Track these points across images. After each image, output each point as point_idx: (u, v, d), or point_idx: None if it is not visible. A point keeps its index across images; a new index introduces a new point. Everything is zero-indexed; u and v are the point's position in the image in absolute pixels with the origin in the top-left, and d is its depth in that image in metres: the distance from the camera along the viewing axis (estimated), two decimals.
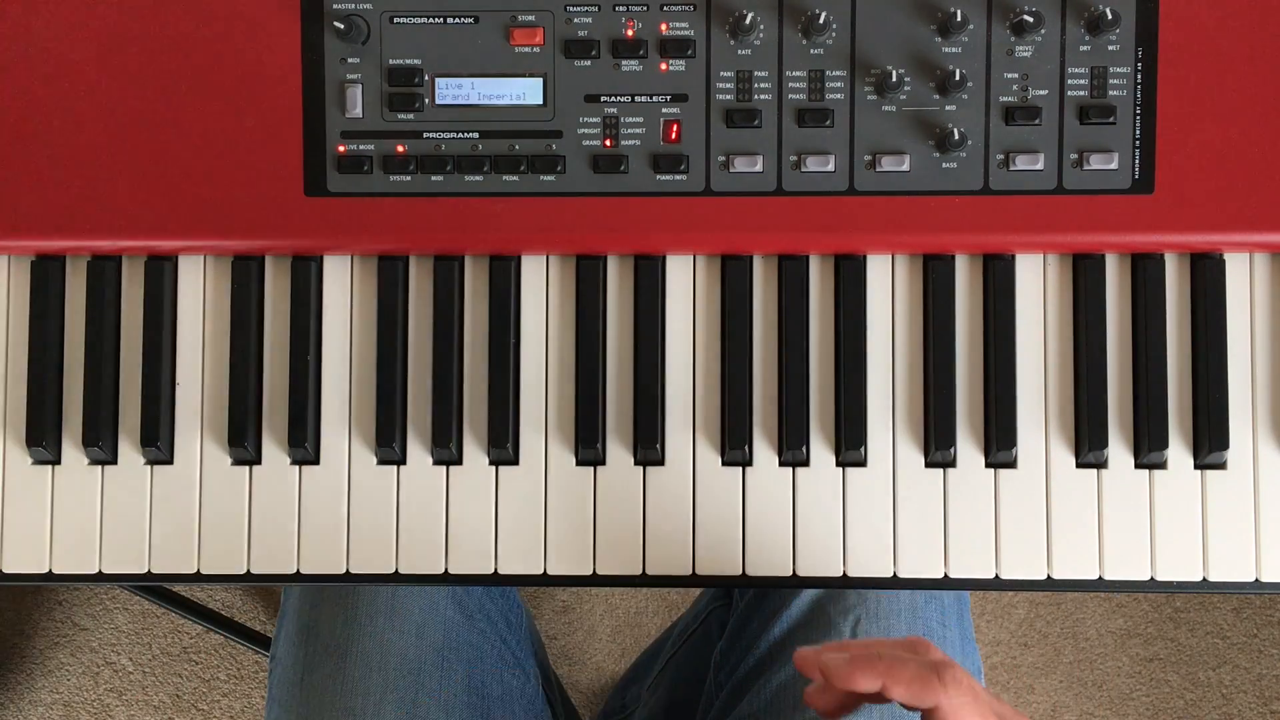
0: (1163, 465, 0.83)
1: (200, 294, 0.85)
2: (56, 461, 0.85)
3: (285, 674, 0.93)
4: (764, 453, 0.84)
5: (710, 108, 0.82)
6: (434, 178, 0.82)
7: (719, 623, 1.10)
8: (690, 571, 0.83)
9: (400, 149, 0.82)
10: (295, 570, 0.84)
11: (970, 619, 0.98)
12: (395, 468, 0.84)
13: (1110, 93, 0.82)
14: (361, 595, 0.92)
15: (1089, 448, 0.82)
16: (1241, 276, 0.84)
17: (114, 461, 0.84)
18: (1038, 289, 0.84)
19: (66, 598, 1.68)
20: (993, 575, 0.83)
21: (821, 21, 0.80)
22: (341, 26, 0.81)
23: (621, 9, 0.82)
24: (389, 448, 0.83)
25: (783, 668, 0.94)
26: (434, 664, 0.91)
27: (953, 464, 0.83)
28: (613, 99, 0.82)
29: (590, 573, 0.84)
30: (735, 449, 0.83)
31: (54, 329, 0.84)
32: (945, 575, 0.83)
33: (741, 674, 0.97)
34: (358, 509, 0.84)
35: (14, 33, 0.82)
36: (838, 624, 0.92)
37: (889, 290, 0.84)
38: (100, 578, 0.85)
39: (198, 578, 0.84)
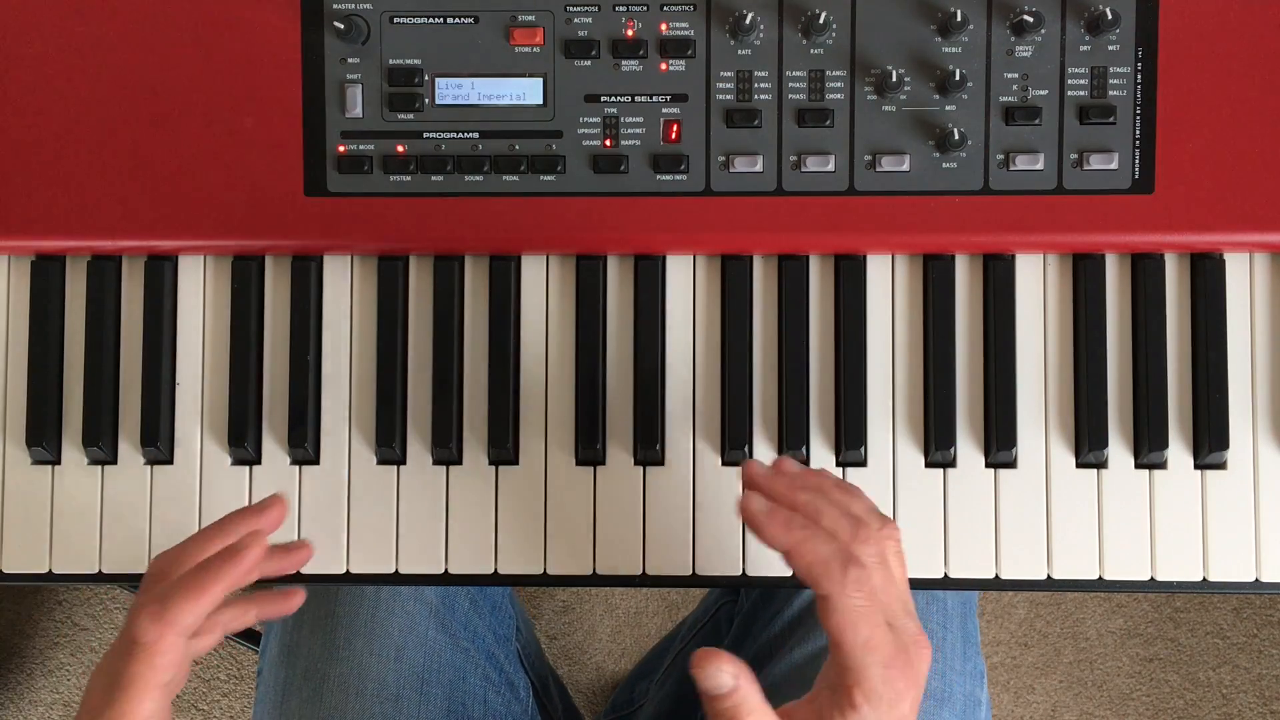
0: (1163, 465, 0.83)
1: (200, 294, 0.85)
2: (56, 461, 0.85)
3: (267, 694, 0.93)
4: (764, 453, 0.83)
5: (710, 108, 0.82)
6: (434, 178, 0.82)
7: (727, 618, 1.10)
8: (690, 571, 0.83)
9: (400, 149, 0.82)
10: (295, 570, 0.84)
11: (975, 624, 0.98)
12: (395, 468, 0.84)
13: (1110, 93, 0.82)
14: (340, 617, 0.91)
15: (1089, 448, 0.82)
16: (1241, 276, 0.84)
17: (114, 461, 0.84)
18: (1038, 289, 0.84)
19: (66, 598, 1.68)
20: (993, 575, 0.83)
21: (821, 21, 0.81)
22: (341, 26, 0.81)
23: (621, 9, 0.82)
24: (389, 448, 0.83)
25: (777, 665, 0.94)
26: (413, 688, 0.90)
27: (953, 464, 0.83)
28: (613, 99, 0.82)
29: (590, 573, 0.84)
30: (735, 449, 0.83)
31: (54, 329, 0.84)
32: (945, 575, 0.83)
33: None
34: (358, 509, 0.84)
35: (13, 34, 0.82)
36: None
37: (889, 290, 0.84)
38: (100, 578, 0.85)
39: None
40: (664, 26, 0.82)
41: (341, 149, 0.82)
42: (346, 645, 0.90)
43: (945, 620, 0.93)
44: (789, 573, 0.83)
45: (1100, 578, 0.83)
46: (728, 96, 0.82)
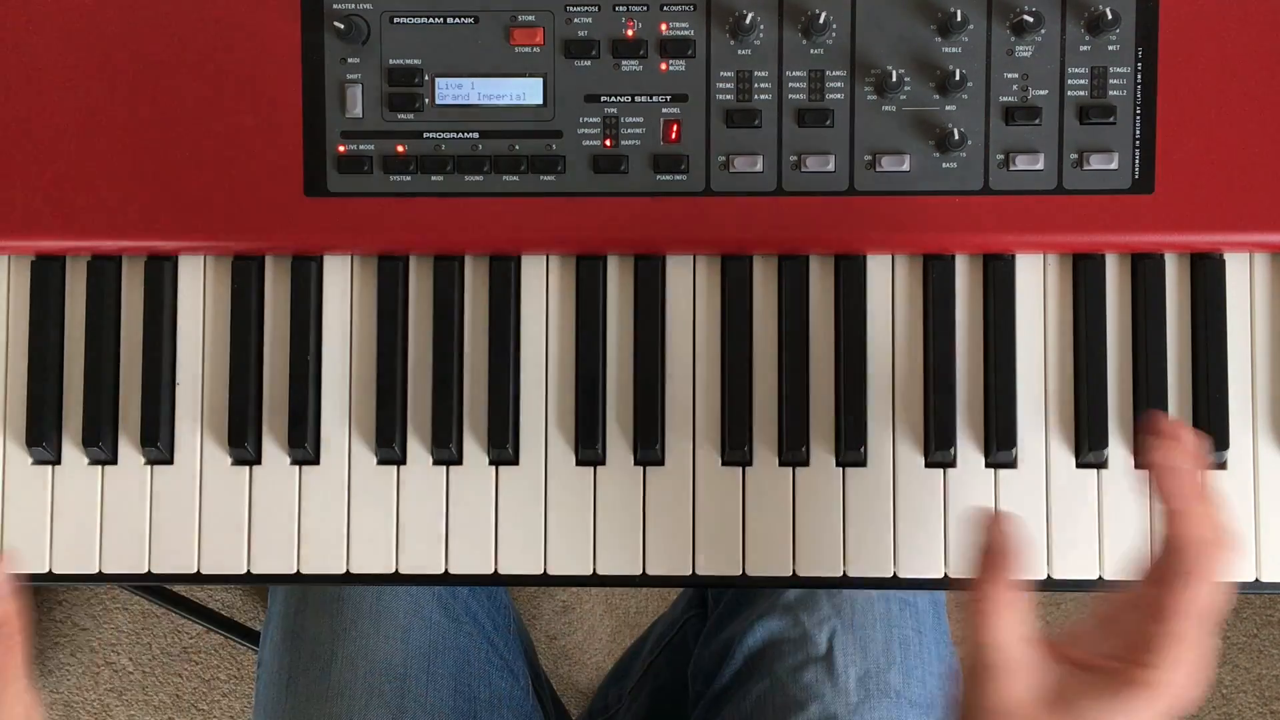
0: None
1: (200, 294, 0.85)
2: (56, 461, 0.85)
3: (271, 679, 0.93)
4: (764, 453, 0.84)
5: (710, 108, 0.82)
6: (434, 178, 0.82)
7: (694, 631, 1.10)
8: (690, 571, 0.83)
9: (400, 149, 0.82)
10: (295, 570, 0.84)
11: (946, 622, 0.98)
12: (395, 468, 0.84)
13: (1110, 93, 0.82)
14: (346, 600, 0.91)
15: (1089, 448, 0.82)
16: (1241, 276, 0.84)
17: (114, 461, 0.84)
18: (1038, 289, 0.84)
19: (66, 598, 1.68)
20: None
21: (821, 21, 0.81)
22: (341, 26, 0.81)
23: (621, 9, 0.82)
24: (389, 448, 0.83)
25: (760, 680, 0.94)
26: (420, 668, 0.91)
27: (953, 464, 0.83)
28: (613, 99, 0.82)
29: (590, 573, 0.84)
30: (735, 449, 0.83)
31: (54, 329, 0.84)
32: (945, 575, 0.83)
33: (719, 686, 0.97)
34: (358, 509, 0.84)
35: (13, 34, 0.82)
36: (813, 635, 0.92)
37: (889, 290, 0.84)
38: (100, 578, 0.85)
39: (198, 578, 0.84)
40: (664, 26, 0.82)
41: (341, 149, 0.82)
42: (354, 626, 0.90)
43: (919, 624, 0.93)
44: (788, 573, 0.83)
45: (1100, 578, 0.83)
46: (728, 96, 0.82)
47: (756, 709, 0.93)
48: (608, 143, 0.82)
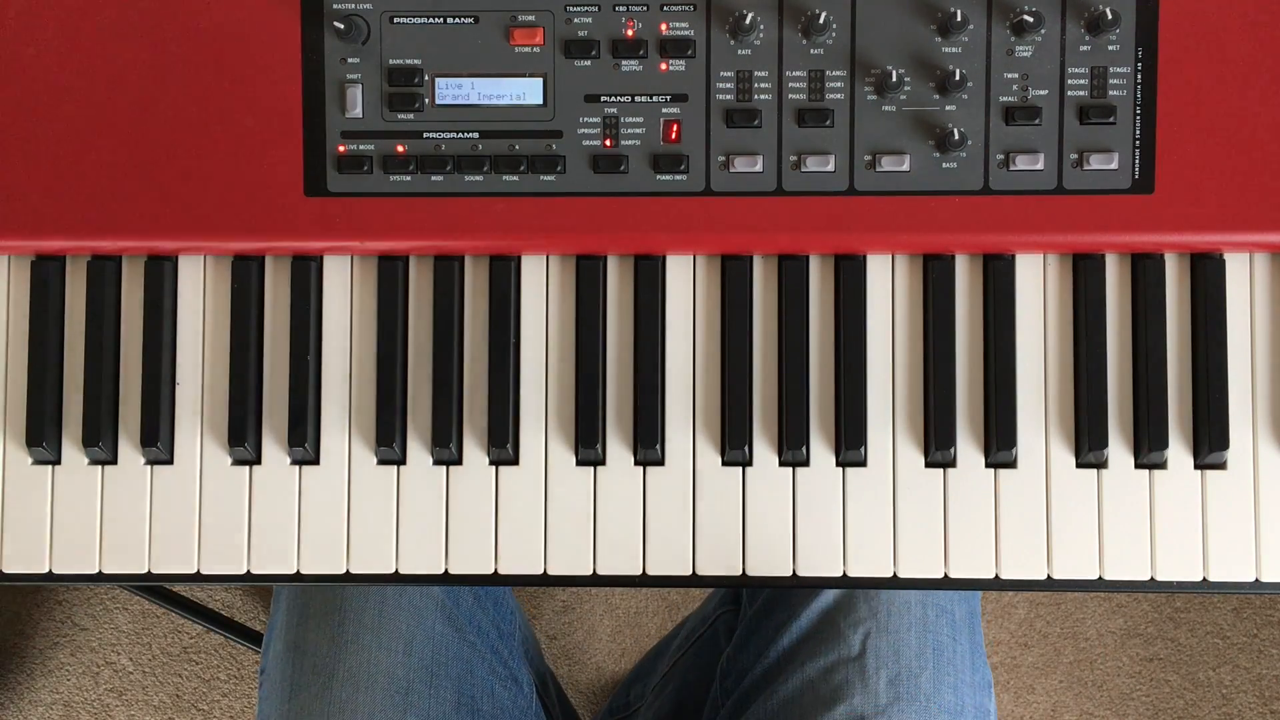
0: (1163, 465, 0.83)
1: (200, 294, 0.85)
2: (56, 461, 0.85)
3: (273, 691, 0.93)
4: (764, 453, 0.84)
5: (710, 108, 0.82)
6: (434, 178, 0.82)
7: (726, 628, 1.09)
8: (690, 571, 0.83)
9: (400, 149, 0.82)
10: (295, 570, 0.84)
11: (981, 632, 0.98)
12: (395, 468, 0.84)
13: (1110, 93, 0.82)
14: (348, 612, 0.91)
15: (1089, 448, 0.82)
16: (1241, 276, 0.84)
17: (114, 461, 0.85)
18: (1038, 289, 0.84)
19: (66, 598, 1.68)
20: (993, 575, 0.83)
21: (821, 21, 0.81)
22: (341, 26, 0.81)
23: (621, 9, 0.82)
24: (389, 448, 0.83)
25: (790, 679, 0.93)
26: (422, 681, 0.90)
27: (953, 464, 0.83)
28: (613, 99, 0.82)
29: (590, 573, 0.84)
30: (735, 449, 0.83)
31: (54, 329, 0.84)
32: (945, 575, 0.83)
33: (748, 684, 0.97)
34: (358, 509, 0.84)
35: (14, 34, 0.82)
36: (847, 636, 0.92)
37: (889, 290, 0.84)
38: (100, 578, 0.85)
39: (198, 578, 0.84)
40: (664, 26, 0.82)
41: (341, 149, 0.82)
42: (355, 640, 0.90)
43: (954, 632, 0.93)
44: (788, 573, 0.83)
45: (1100, 578, 0.83)
46: (728, 96, 0.82)
47: (784, 706, 0.93)
48: (608, 143, 0.82)
